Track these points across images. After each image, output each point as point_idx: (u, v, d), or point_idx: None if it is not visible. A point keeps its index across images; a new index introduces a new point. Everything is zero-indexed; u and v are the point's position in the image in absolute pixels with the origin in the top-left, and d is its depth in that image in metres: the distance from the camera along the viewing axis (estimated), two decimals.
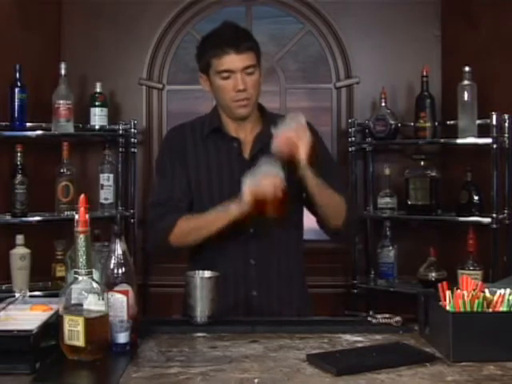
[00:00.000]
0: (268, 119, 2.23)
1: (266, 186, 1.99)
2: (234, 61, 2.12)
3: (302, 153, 2.01)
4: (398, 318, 1.90)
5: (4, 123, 3.31)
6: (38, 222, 3.36)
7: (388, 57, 3.74)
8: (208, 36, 2.24)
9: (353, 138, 3.63)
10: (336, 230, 2.19)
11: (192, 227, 2.14)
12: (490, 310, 1.67)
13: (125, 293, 1.71)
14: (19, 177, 3.29)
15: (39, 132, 3.38)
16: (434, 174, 3.48)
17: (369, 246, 3.67)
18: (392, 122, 3.54)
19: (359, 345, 1.75)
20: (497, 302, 1.67)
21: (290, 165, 2.03)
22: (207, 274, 1.96)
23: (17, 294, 1.88)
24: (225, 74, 2.14)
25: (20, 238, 3.27)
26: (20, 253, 3.26)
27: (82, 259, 1.61)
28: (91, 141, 3.69)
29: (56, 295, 1.74)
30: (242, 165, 2.16)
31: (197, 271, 1.97)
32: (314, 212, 2.22)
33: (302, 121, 2.06)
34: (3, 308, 1.76)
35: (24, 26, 3.48)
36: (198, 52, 2.23)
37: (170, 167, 2.23)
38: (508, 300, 1.67)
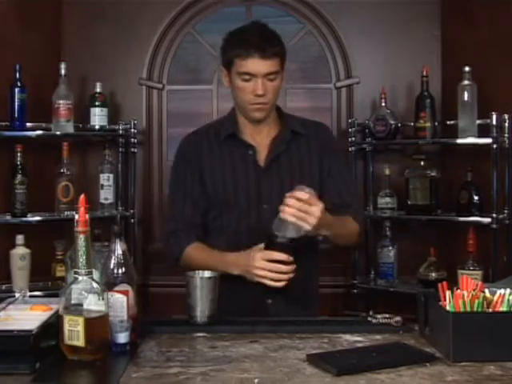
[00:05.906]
0: (285, 121, 2.22)
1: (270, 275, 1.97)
2: (257, 65, 2.08)
3: (311, 223, 1.91)
4: (398, 318, 1.90)
5: (4, 123, 3.31)
6: (38, 221, 3.36)
7: (388, 57, 3.74)
8: (235, 32, 2.17)
9: (353, 138, 3.63)
10: (349, 247, 2.20)
11: (195, 263, 2.10)
12: (490, 310, 1.67)
13: (125, 293, 1.71)
14: (19, 177, 3.29)
15: (39, 132, 3.37)
16: (433, 174, 3.48)
17: (369, 246, 3.67)
18: (392, 122, 3.54)
19: (359, 345, 1.75)
20: (497, 302, 1.67)
21: None
22: (207, 273, 1.96)
23: (17, 294, 1.88)
24: (246, 77, 2.10)
25: (20, 238, 3.27)
26: (20, 253, 3.26)
27: (82, 259, 1.61)
28: (91, 141, 3.69)
29: (56, 295, 1.74)
30: (257, 172, 2.15)
31: (197, 271, 1.96)
32: None
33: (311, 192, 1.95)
34: (3, 308, 1.76)
35: (24, 26, 3.47)
36: (223, 46, 2.17)
37: (182, 179, 2.21)
38: (508, 300, 1.67)
